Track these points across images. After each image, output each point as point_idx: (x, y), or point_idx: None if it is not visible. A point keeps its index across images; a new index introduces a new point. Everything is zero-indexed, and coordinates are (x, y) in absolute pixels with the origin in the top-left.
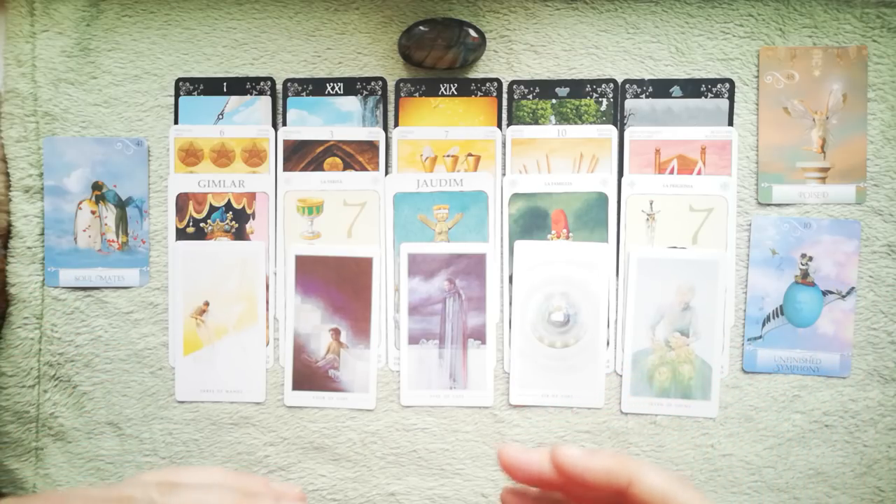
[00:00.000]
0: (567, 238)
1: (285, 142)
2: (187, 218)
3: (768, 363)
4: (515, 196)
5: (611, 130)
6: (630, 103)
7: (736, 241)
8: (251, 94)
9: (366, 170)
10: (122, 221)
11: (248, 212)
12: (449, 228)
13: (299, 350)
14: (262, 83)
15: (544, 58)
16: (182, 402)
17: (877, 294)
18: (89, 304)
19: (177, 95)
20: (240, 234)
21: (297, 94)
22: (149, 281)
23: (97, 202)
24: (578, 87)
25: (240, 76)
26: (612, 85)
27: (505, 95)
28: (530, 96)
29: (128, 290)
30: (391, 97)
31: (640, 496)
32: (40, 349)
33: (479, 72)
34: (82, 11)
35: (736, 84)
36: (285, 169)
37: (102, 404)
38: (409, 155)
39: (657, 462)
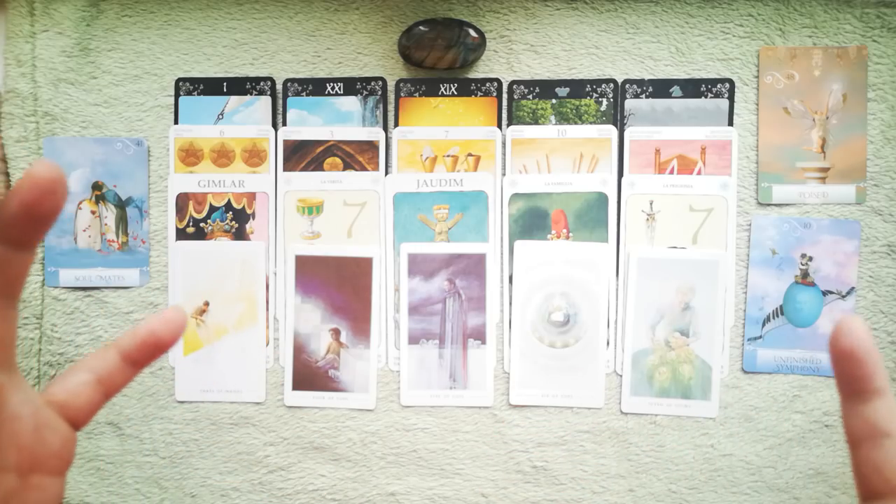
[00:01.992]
0: (567, 238)
1: (285, 142)
2: (187, 218)
3: (768, 363)
4: (515, 196)
5: (611, 130)
6: (630, 103)
7: (736, 241)
8: (251, 94)
9: (366, 170)
10: (122, 221)
11: (248, 212)
12: (449, 228)
13: (299, 350)
14: (262, 83)
15: (544, 58)
16: (182, 402)
17: (877, 294)
18: (89, 304)
19: (177, 95)
20: (240, 234)
21: (297, 94)
22: (149, 281)
23: (97, 202)
24: (578, 87)
25: (240, 76)
26: (612, 85)
27: (505, 95)
28: (530, 96)
29: (128, 290)
30: (391, 97)
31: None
32: (40, 349)
33: (479, 72)
34: (82, 11)
35: (736, 84)
36: (285, 169)
37: None
38: (409, 155)
39: (657, 462)
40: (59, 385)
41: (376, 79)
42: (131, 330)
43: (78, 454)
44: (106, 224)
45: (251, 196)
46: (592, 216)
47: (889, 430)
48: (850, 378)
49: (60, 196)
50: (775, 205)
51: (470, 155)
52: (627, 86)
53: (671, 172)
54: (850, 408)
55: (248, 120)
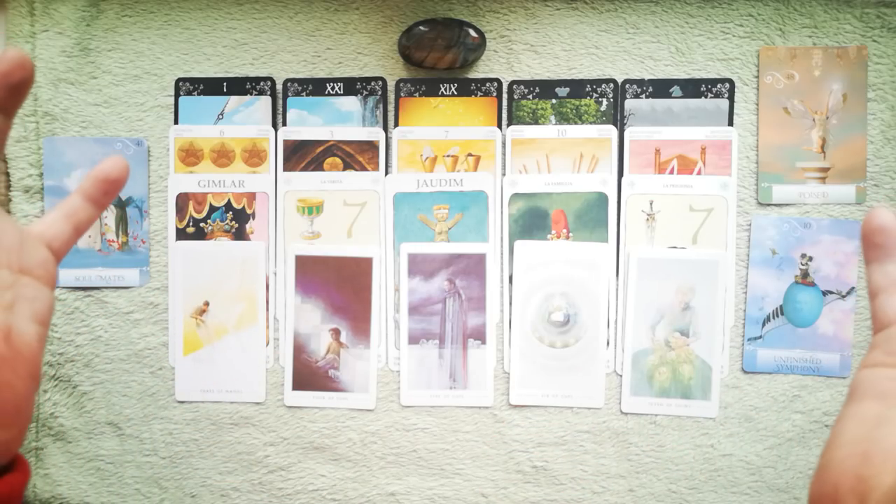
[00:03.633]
0: (567, 238)
1: (285, 142)
2: (187, 218)
3: (768, 363)
4: (515, 196)
5: (611, 130)
6: (630, 103)
7: (736, 241)
8: (251, 94)
9: (366, 170)
10: (122, 221)
11: (248, 212)
12: (449, 228)
13: (299, 350)
14: (262, 83)
15: (544, 58)
16: (182, 402)
17: None
18: (89, 304)
19: (177, 95)
20: (240, 234)
21: (297, 94)
22: (149, 281)
23: None
24: (578, 87)
25: (240, 76)
26: (612, 85)
27: (505, 95)
28: (530, 96)
29: (128, 290)
30: (391, 97)
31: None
32: None
33: (479, 72)
34: (82, 11)
35: (736, 84)
36: (285, 169)
37: (102, 404)
38: (409, 155)
39: (657, 462)
40: (35, 223)
41: (376, 79)
42: (88, 173)
43: (78, 454)
44: (106, 224)
45: (251, 196)
46: (592, 216)
47: None
48: (878, 246)
49: (29, 70)
50: (775, 205)
51: (470, 155)
52: (627, 86)
53: (671, 172)
54: (875, 269)
55: (248, 120)
